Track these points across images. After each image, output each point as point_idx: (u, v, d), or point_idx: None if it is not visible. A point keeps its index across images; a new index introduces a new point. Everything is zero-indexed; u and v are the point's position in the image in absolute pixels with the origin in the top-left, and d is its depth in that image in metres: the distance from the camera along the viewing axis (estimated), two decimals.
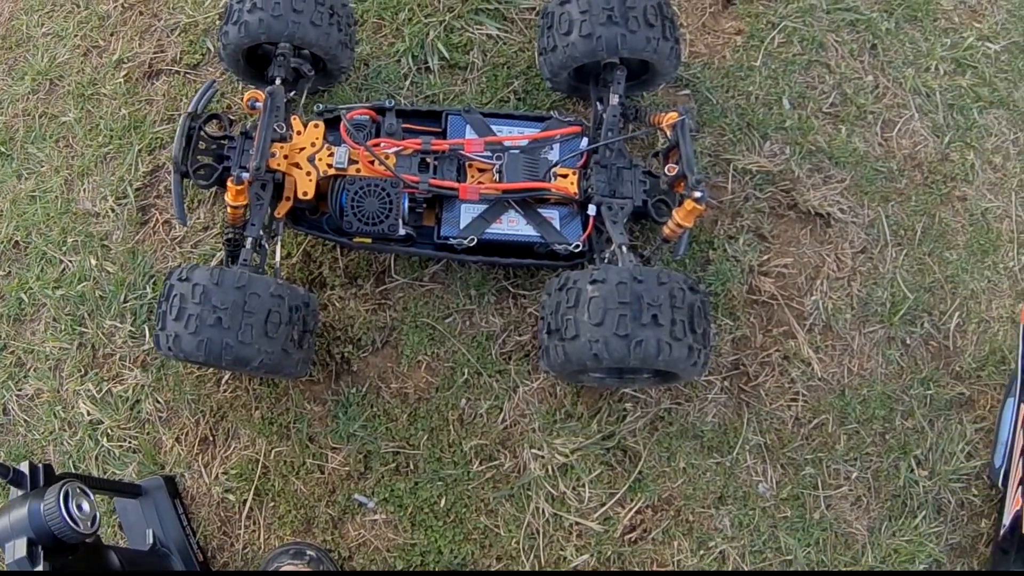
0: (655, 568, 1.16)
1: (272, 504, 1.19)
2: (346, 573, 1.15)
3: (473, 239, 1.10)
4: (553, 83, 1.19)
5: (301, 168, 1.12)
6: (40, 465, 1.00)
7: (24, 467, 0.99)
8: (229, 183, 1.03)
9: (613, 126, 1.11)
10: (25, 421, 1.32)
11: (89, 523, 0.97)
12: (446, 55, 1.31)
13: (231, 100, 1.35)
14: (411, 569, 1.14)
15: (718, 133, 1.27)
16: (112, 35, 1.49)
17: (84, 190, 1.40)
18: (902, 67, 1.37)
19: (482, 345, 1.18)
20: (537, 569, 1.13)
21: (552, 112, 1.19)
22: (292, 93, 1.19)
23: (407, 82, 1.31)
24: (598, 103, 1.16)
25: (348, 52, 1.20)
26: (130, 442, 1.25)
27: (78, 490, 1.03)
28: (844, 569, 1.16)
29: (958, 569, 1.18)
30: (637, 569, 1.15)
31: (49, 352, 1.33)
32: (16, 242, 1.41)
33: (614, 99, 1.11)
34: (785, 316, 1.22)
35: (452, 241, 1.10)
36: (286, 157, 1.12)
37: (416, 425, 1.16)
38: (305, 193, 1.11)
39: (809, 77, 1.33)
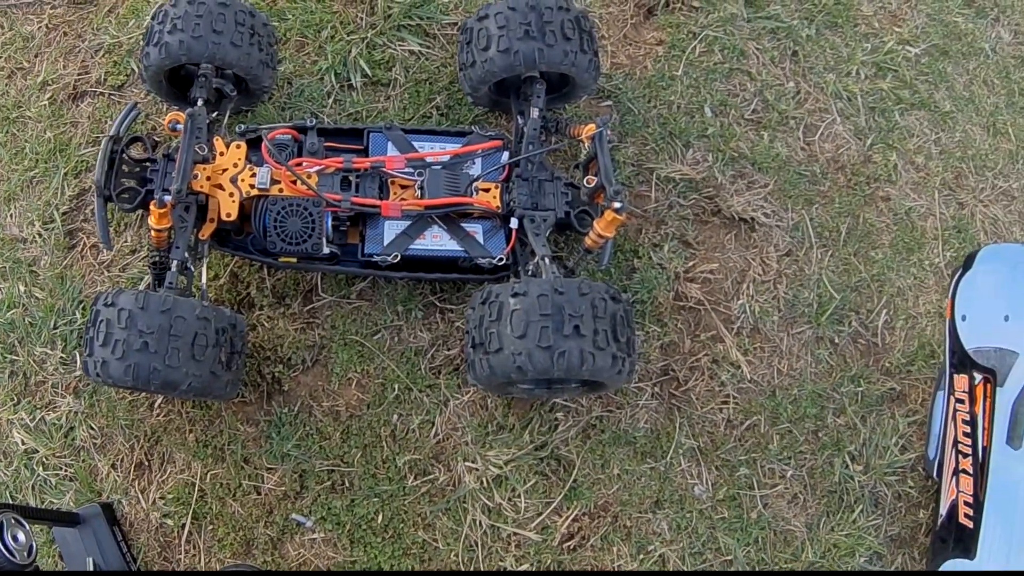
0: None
1: (211, 527, 1.18)
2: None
3: (397, 255, 1.10)
4: (474, 98, 1.20)
5: (224, 189, 1.12)
6: None
7: None
8: (152, 206, 1.02)
9: (534, 139, 1.13)
10: None
11: (25, 553, 0.97)
12: (368, 72, 1.31)
13: (155, 121, 1.34)
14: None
15: (641, 143, 1.29)
16: (36, 56, 1.46)
17: (11, 215, 1.38)
18: (823, 72, 1.40)
19: (411, 360, 1.19)
20: None
21: (473, 127, 1.20)
22: (215, 114, 1.19)
23: (330, 100, 1.31)
24: (519, 117, 1.17)
25: (270, 71, 1.20)
26: (66, 470, 1.24)
27: (12, 520, 1.02)
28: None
29: (896, 565, 1.21)
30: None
31: None
32: None
33: (534, 112, 1.13)
34: (713, 320, 1.25)
35: (376, 258, 1.11)
36: (208, 179, 1.11)
37: (349, 442, 1.16)
38: (228, 215, 1.10)
39: (731, 85, 1.35)
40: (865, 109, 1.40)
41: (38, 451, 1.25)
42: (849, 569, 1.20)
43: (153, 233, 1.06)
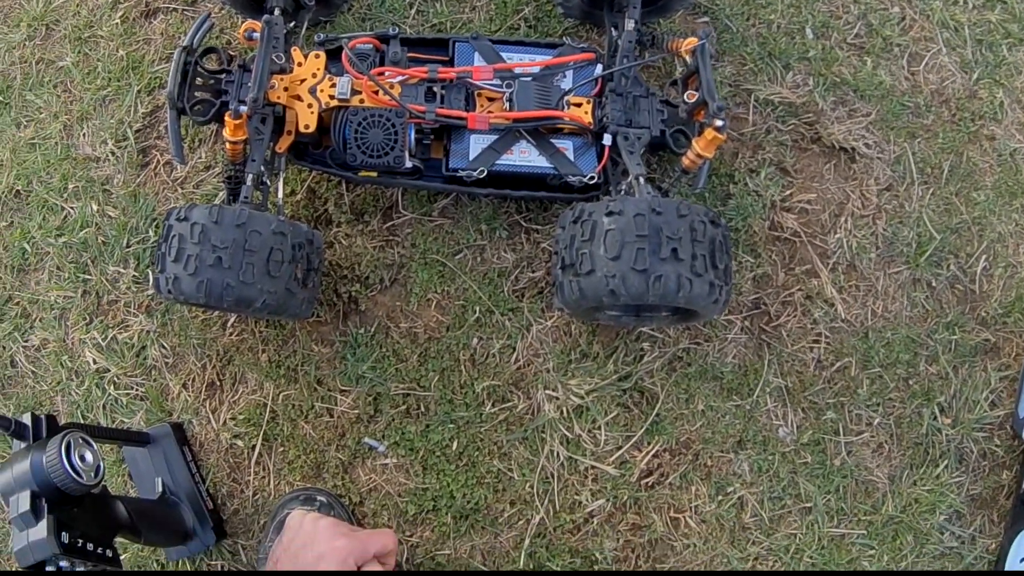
0: (672, 515, 1.13)
1: (281, 449, 1.16)
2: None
3: (483, 171, 1.05)
4: (565, 8, 1.14)
5: (302, 100, 1.08)
6: (43, 416, 0.97)
7: (26, 418, 0.96)
8: (227, 117, 0.99)
9: (628, 53, 1.06)
10: (33, 372, 1.30)
11: (92, 474, 0.94)
12: None
13: (230, 35, 1.31)
14: (424, 513, 1.12)
15: (738, 63, 1.22)
16: None
17: (84, 135, 1.37)
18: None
19: (494, 282, 1.14)
20: (552, 513, 1.11)
21: (565, 38, 1.14)
22: (292, 24, 1.14)
23: (412, 10, 1.25)
24: (613, 29, 1.11)
25: None
26: (137, 389, 1.23)
27: (80, 440, 1.00)
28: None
29: (975, 527, 1.15)
30: (654, 516, 1.12)
31: (54, 301, 1.30)
32: (17, 191, 1.38)
33: (629, 24, 1.06)
34: (808, 254, 1.18)
35: (461, 173, 1.06)
36: (286, 89, 1.07)
37: (427, 366, 1.13)
38: (307, 126, 1.06)
39: (833, 6, 1.27)
40: (972, 41, 1.30)
41: (109, 370, 1.25)
42: (925, 527, 1.14)
43: (228, 146, 1.03)
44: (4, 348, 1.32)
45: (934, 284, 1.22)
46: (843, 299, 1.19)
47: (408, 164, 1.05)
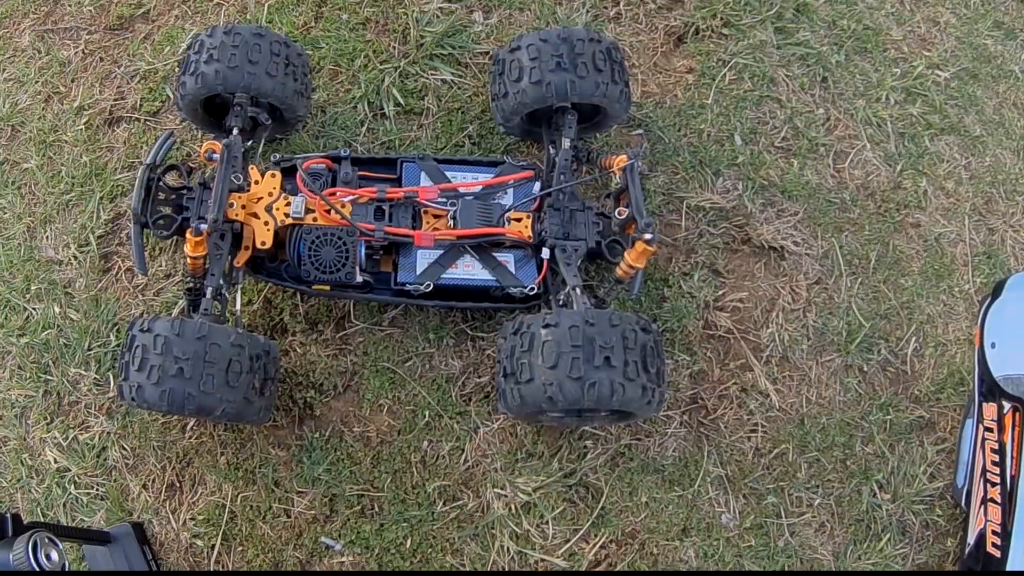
0: None
1: (240, 549, 1.19)
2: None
3: (429, 284, 1.11)
4: (506, 128, 1.21)
5: (259, 218, 1.13)
6: (8, 515, 1.01)
7: None
8: (188, 234, 1.04)
9: (565, 170, 1.13)
10: None
11: (58, 572, 0.99)
12: (401, 101, 1.33)
13: (190, 147, 1.36)
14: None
15: (671, 171, 1.30)
16: (73, 81, 1.49)
17: (47, 237, 1.41)
18: (853, 99, 1.40)
19: (442, 388, 1.19)
20: None
21: (505, 156, 1.21)
22: (250, 142, 1.20)
23: (363, 128, 1.32)
24: (551, 146, 1.18)
25: (304, 101, 1.22)
26: (97, 489, 1.26)
27: (46, 540, 1.04)
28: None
29: None
30: None
31: (15, 400, 1.33)
32: None
33: (566, 143, 1.13)
34: (742, 349, 1.24)
35: (409, 287, 1.11)
36: (244, 207, 1.13)
37: (379, 467, 1.17)
38: (263, 243, 1.12)
39: (760, 112, 1.35)
40: (895, 135, 1.39)
41: (70, 470, 1.27)
42: None
43: (189, 260, 1.08)
44: None
45: (866, 369, 1.29)
46: (777, 389, 1.25)
47: (359, 279, 1.10)
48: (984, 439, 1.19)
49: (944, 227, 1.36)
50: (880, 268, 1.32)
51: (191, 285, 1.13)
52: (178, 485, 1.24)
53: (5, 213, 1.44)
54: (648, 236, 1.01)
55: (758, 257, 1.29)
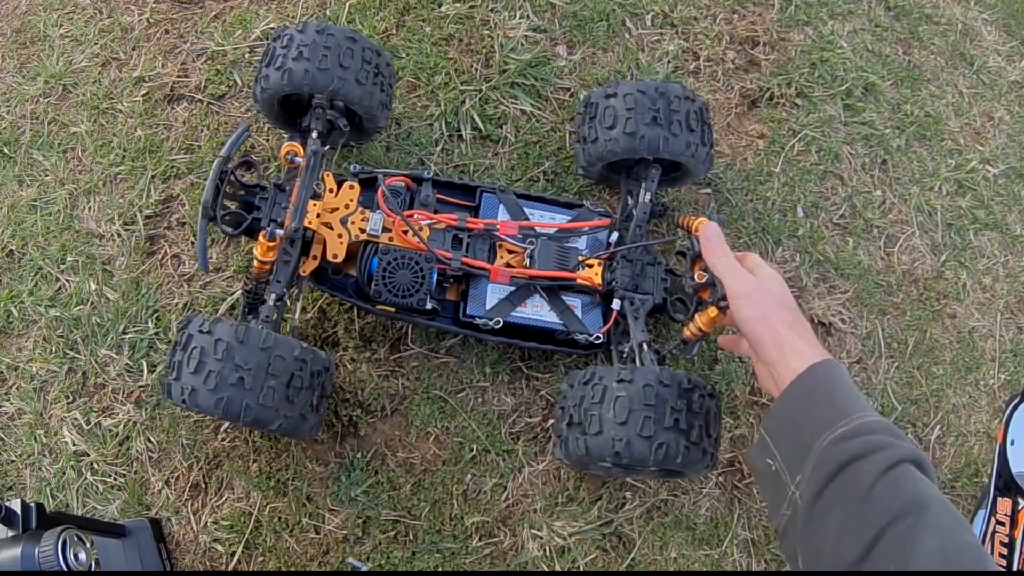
0: None
1: (261, 559, 1.17)
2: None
3: (499, 321, 1.10)
4: (586, 172, 1.20)
5: (333, 229, 1.10)
6: (32, 504, 0.98)
7: (15, 505, 0.97)
8: (261, 237, 1.01)
9: (642, 222, 1.13)
10: (1, 439, 1.27)
11: (84, 573, 0.97)
12: (480, 126, 1.31)
13: (254, 139, 1.33)
14: None
15: (734, 235, 1.31)
16: (134, 49, 1.44)
17: (89, 208, 1.36)
18: (908, 184, 1.43)
19: (492, 423, 1.18)
20: None
21: (584, 200, 1.20)
22: (326, 148, 1.17)
23: (438, 148, 1.30)
24: (628, 196, 1.18)
25: (386, 112, 1.19)
26: (116, 479, 1.22)
27: (76, 538, 1.01)
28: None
29: None
30: None
31: (35, 372, 1.28)
32: (11, 251, 1.35)
33: (646, 196, 1.14)
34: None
35: (478, 320, 1.10)
36: (319, 216, 1.10)
37: (419, 496, 1.16)
38: (335, 256, 1.09)
39: (823, 187, 1.38)
40: (943, 225, 1.44)
41: (88, 454, 1.23)
42: None
43: (256, 263, 1.05)
44: None
45: None
46: None
47: (428, 305, 1.08)
48: (995, 532, 1.24)
49: (978, 321, 1.41)
50: (916, 354, 1.36)
51: (251, 288, 1.09)
52: (203, 486, 1.21)
53: (47, 175, 1.39)
54: (724, 303, 1.02)
55: None
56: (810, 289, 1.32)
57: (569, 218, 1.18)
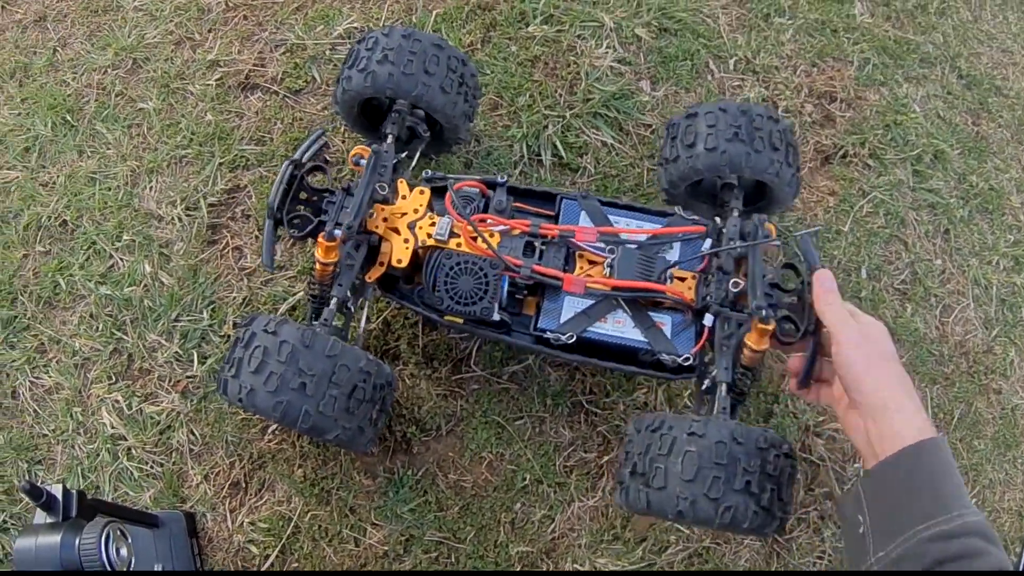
0: None
1: (296, 565, 1.15)
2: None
3: (572, 336, 1.01)
4: (669, 194, 1.13)
5: (399, 234, 1.06)
6: (74, 492, 0.96)
7: (56, 491, 0.95)
8: (320, 238, 0.97)
9: (735, 235, 1.02)
10: (35, 411, 1.24)
11: (125, 568, 0.96)
12: (561, 152, 1.30)
13: (328, 138, 1.31)
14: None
15: None
16: (210, 32, 1.42)
17: (150, 188, 1.34)
18: (968, 256, 1.44)
19: (548, 454, 1.17)
20: None
21: (676, 208, 1.11)
22: (404, 154, 1.15)
23: (517, 170, 1.29)
24: (716, 219, 1.08)
25: (467, 124, 1.17)
26: (153, 467, 1.20)
27: (119, 533, 1.00)
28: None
29: None
30: None
31: (78, 348, 1.26)
32: (64, 221, 1.33)
33: (735, 211, 1.05)
34: (828, 478, 1.27)
35: (549, 335, 1.02)
36: (385, 220, 1.07)
37: (466, 519, 1.14)
38: (400, 261, 1.05)
39: (888, 251, 1.38)
40: (997, 300, 1.44)
41: (126, 439, 1.21)
42: None
43: (318, 265, 1.01)
44: (8, 376, 1.26)
45: None
46: None
47: (496, 316, 1.02)
48: None
49: (1021, 399, 1.42)
50: (960, 426, 1.37)
51: (316, 292, 1.05)
52: (244, 485, 1.19)
53: (109, 149, 1.37)
54: (763, 314, 0.91)
55: None
56: None
57: (659, 226, 1.08)
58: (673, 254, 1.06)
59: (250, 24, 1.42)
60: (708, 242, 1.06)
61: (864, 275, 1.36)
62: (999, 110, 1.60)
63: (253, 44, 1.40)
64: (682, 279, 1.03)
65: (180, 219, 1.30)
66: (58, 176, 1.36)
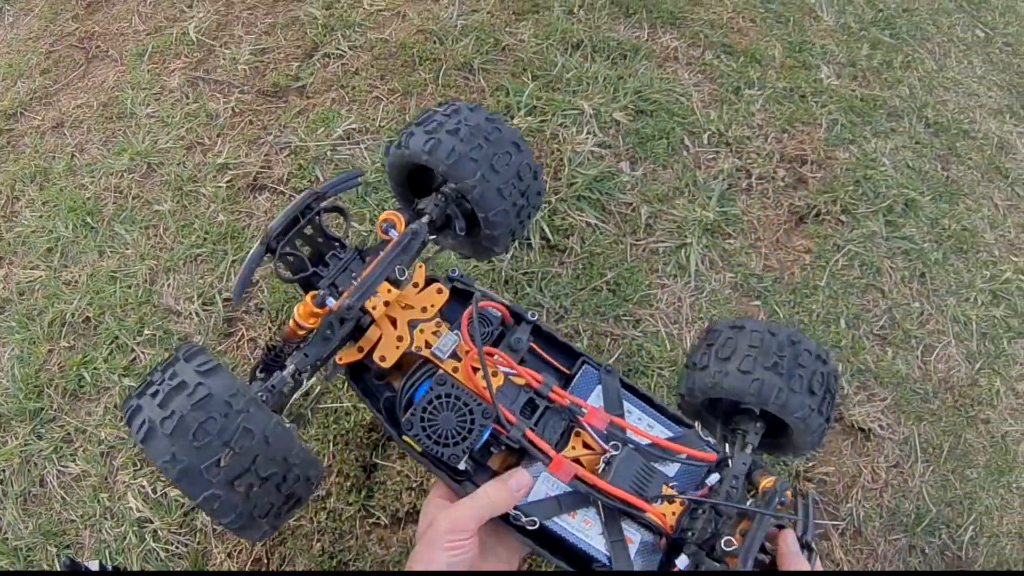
0: None
1: None
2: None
3: (535, 521, 0.83)
4: (684, 400, 0.98)
5: (395, 328, 0.89)
6: (110, 567, 1.01)
7: (93, 565, 1.01)
8: (308, 297, 0.83)
9: (740, 473, 0.88)
10: (62, 498, 1.32)
11: None
12: (549, 235, 1.39)
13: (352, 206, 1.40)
14: None
15: None
16: (219, 136, 1.54)
17: (168, 285, 1.44)
18: (945, 296, 1.50)
19: None
20: None
21: (696, 424, 0.96)
22: (432, 238, 0.99)
23: (508, 255, 1.37)
24: (725, 444, 0.95)
25: (509, 240, 1.00)
26: (178, 547, 1.27)
27: None
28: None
29: None
30: None
31: (103, 438, 1.34)
32: (87, 317, 1.43)
33: (748, 449, 0.91)
34: (822, 519, 1.32)
35: (511, 511, 0.83)
36: (386, 304, 0.88)
37: None
38: (383, 359, 0.87)
39: (865, 300, 1.45)
40: (978, 334, 1.50)
41: (152, 522, 1.28)
42: None
43: (291, 323, 0.86)
44: (36, 465, 1.34)
45: (927, 551, 1.37)
46: (848, 560, 1.32)
47: (462, 466, 0.85)
48: None
49: (1011, 426, 1.46)
50: (951, 458, 1.41)
51: (275, 345, 0.88)
52: (266, 562, 1.25)
53: (128, 249, 1.47)
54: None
55: (847, 436, 1.37)
56: (851, 396, 1.38)
57: (672, 436, 0.93)
58: (670, 469, 0.91)
59: (255, 128, 1.53)
60: (715, 476, 0.89)
61: (843, 325, 1.42)
62: (968, 152, 1.67)
63: (259, 147, 1.51)
64: (670, 500, 0.87)
65: (197, 314, 1.39)
66: (80, 275, 1.46)
